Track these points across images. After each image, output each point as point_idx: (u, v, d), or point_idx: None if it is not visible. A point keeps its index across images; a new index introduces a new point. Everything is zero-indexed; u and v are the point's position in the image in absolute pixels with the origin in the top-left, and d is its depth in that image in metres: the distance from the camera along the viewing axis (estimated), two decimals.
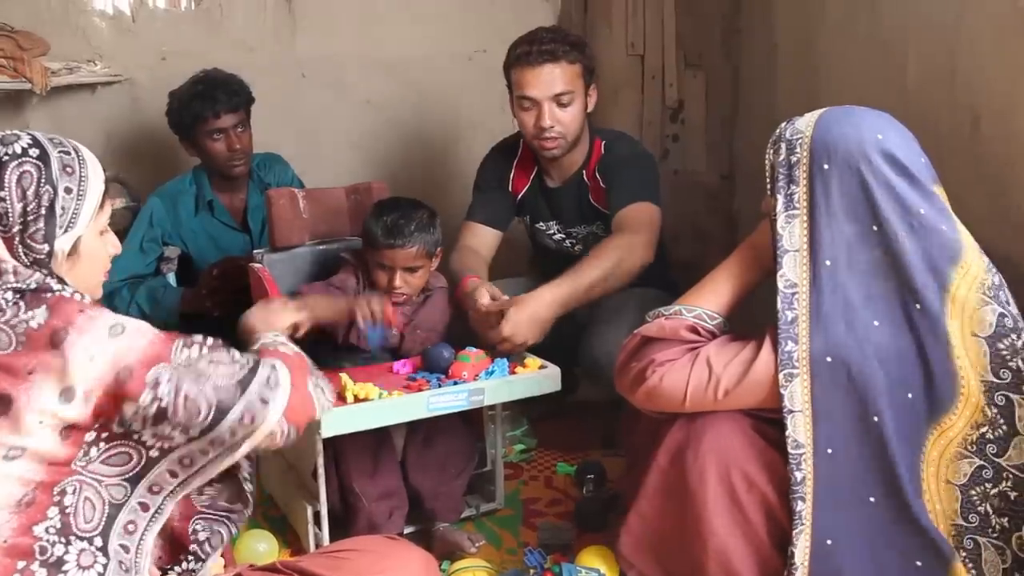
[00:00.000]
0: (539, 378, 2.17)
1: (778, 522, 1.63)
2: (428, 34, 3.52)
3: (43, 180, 1.33)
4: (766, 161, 1.69)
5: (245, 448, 1.37)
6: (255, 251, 2.50)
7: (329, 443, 2.08)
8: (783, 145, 1.66)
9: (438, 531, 2.22)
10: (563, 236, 2.73)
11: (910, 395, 1.55)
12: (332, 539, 2.10)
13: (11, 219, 1.32)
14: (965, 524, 1.57)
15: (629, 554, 1.80)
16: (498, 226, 2.71)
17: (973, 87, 2.10)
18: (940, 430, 1.56)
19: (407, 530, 2.23)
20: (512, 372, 2.15)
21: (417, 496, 2.23)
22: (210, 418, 1.31)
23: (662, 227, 2.59)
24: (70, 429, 1.28)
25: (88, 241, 1.40)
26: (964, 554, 1.57)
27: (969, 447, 1.55)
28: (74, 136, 2.97)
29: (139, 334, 1.31)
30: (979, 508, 1.57)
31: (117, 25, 3.12)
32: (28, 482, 1.26)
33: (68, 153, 1.38)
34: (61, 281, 1.35)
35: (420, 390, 2.05)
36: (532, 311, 2.20)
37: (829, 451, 1.58)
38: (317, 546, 2.13)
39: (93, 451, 1.31)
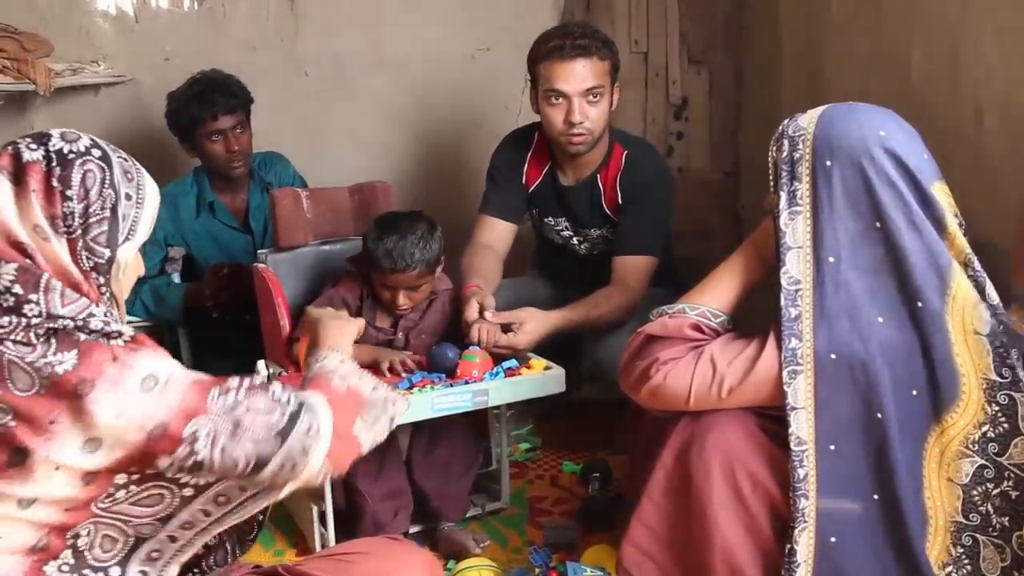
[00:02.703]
0: (544, 379, 2.16)
1: (783, 520, 1.62)
2: (431, 33, 3.51)
3: (106, 182, 1.27)
4: (769, 158, 1.68)
5: (287, 490, 1.31)
6: (259, 251, 2.50)
7: None
8: (786, 142, 1.65)
9: (443, 531, 2.22)
10: (571, 234, 2.72)
11: (915, 392, 1.55)
12: (338, 539, 2.10)
13: (75, 220, 1.24)
14: (965, 522, 1.56)
15: (631, 567, 1.79)
16: (512, 219, 2.69)
17: (977, 82, 2.09)
18: (942, 428, 1.55)
19: (412, 529, 2.23)
20: (517, 373, 2.15)
21: (422, 496, 2.23)
22: (249, 469, 1.24)
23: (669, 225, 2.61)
24: (93, 475, 1.20)
25: (130, 256, 1.33)
26: (961, 551, 1.56)
27: (971, 446, 1.54)
28: None
29: (174, 385, 1.21)
30: (980, 508, 1.55)
31: (120, 26, 3.13)
32: (42, 526, 1.20)
33: (125, 160, 1.33)
34: (109, 309, 1.28)
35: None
36: (545, 330, 2.29)
37: (832, 447, 1.58)
38: (323, 546, 2.13)
39: (121, 493, 1.23)
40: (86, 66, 3.03)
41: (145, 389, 1.18)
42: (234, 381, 1.25)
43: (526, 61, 2.53)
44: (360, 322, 1.80)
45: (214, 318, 2.75)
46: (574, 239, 2.72)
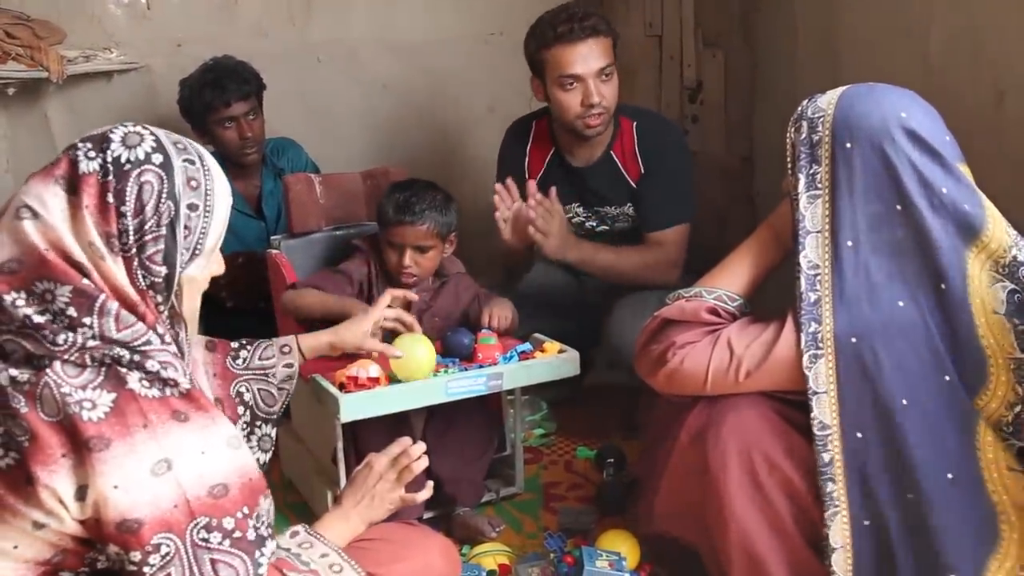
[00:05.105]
0: (558, 362, 2.16)
1: (802, 506, 1.61)
2: (443, 17, 3.50)
3: (163, 194, 1.19)
4: (787, 140, 1.67)
5: None
6: (272, 237, 2.50)
7: (348, 428, 2.08)
8: (804, 123, 1.63)
9: (458, 516, 2.22)
10: (584, 218, 2.69)
11: (947, 377, 1.53)
12: None
13: (129, 238, 1.18)
14: None
15: (662, 516, 1.79)
16: None
17: (998, 63, 2.07)
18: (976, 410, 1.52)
19: (427, 515, 2.23)
20: (531, 356, 2.15)
21: (437, 481, 2.22)
22: None
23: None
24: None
25: (198, 273, 1.28)
26: None
27: (1005, 428, 1.52)
28: (91, 124, 2.98)
29: (175, 488, 1.15)
30: None
31: (132, 13, 3.12)
32: (55, 545, 1.18)
33: (193, 162, 1.25)
34: (171, 331, 1.24)
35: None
36: (567, 241, 2.46)
37: (859, 435, 1.56)
38: None
39: None
40: (98, 53, 3.03)
41: (154, 473, 1.14)
42: (229, 522, 1.19)
43: (525, 51, 2.51)
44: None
45: (227, 308, 2.75)
46: (588, 223, 2.70)
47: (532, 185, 2.41)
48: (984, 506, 1.53)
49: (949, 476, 1.53)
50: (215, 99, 2.75)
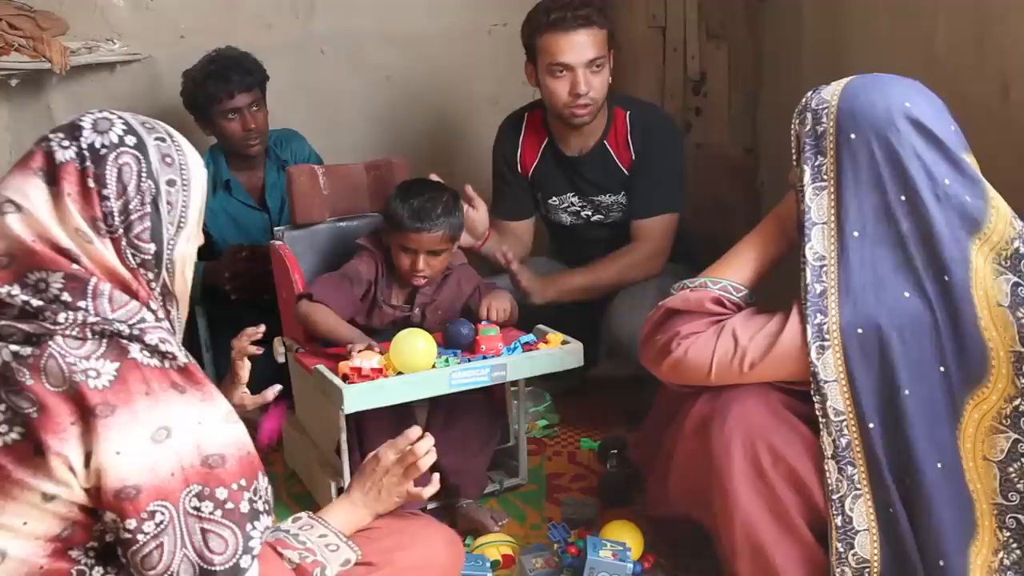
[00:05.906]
0: (562, 354, 2.15)
1: (807, 495, 1.61)
2: (447, 8, 3.49)
3: (143, 174, 1.22)
4: (792, 131, 1.67)
5: None
6: (276, 229, 2.50)
7: (352, 419, 2.08)
8: (809, 115, 1.63)
9: (461, 508, 2.22)
10: (580, 207, 2.69)
11: (942, 368, 1.53)
12: None
13: (115, 219, 1.20)
14: (1005, 503, 1.54)
15: (677, 499, 1.80)
16: (524, 215, 2.71)
17: (1003, 53, 2.06)
18: (974, 403, 1.53)
19: (430, 506, 2.23)
20: (535, 347, 2.14)
21: (440, 472, 2.22)
22: None
23: (687, 202, 2.63)
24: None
25: (188, 249, 1.30)
26: (1008, 534, 1.54)
27: (1003, 421, 1.53)
28: None
29: (172, 456, 1.15)
30: (1018, 485, 1.54)
31: (135, 3, 3.12)
32: (65, 518, 1.18)
33: (164, 140, 1.26)
34: (164, 306, 1.26)
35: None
36: (545, 284, 2.52)
37: (871, 425, 1.56)
38: None
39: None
40: (101, 44, 3.03)
41: (155, 440, 1.15)
42: (222, 492, 1.19)
43: (521, 36, 2.52)
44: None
45: (231, 301, 2.75)
46: (583, 212, 2.69)
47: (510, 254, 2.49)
48: (964, 495, 1.55)
49: (939, 465, 1.54)
50: (218, 90, 2.74)
